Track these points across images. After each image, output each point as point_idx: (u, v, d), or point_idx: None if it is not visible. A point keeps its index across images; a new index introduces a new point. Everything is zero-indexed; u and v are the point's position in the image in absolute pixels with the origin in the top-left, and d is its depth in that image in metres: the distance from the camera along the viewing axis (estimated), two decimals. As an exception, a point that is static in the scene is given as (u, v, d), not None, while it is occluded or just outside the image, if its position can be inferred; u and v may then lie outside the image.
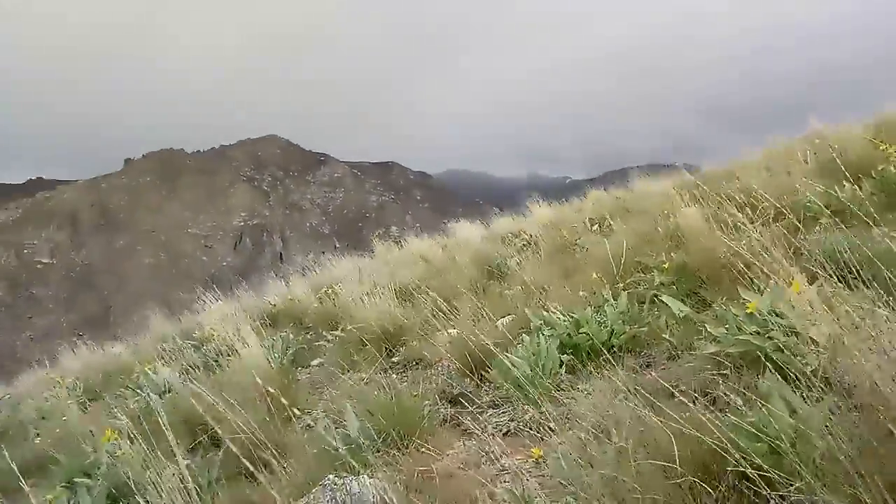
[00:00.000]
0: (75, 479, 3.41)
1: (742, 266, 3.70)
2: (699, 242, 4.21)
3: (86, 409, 6.16)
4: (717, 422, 1.95)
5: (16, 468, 2.43)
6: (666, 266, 4.06)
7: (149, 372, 5.31)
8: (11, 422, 6.47)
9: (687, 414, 2.16)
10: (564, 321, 3.56)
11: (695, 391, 2.63)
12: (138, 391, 5.18)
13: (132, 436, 3.58)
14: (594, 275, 4.22)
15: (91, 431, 4.18)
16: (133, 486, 2.89)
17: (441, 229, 14.61)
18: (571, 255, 6.11)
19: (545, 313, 3.78)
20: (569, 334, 3.48)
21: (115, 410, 4.98)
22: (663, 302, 3.66)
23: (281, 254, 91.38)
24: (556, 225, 8.56)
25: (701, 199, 6.28)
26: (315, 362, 5.94)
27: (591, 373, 3.20)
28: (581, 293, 4.54)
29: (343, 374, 5.14)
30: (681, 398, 2.66)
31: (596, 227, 7.04)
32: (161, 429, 3.36)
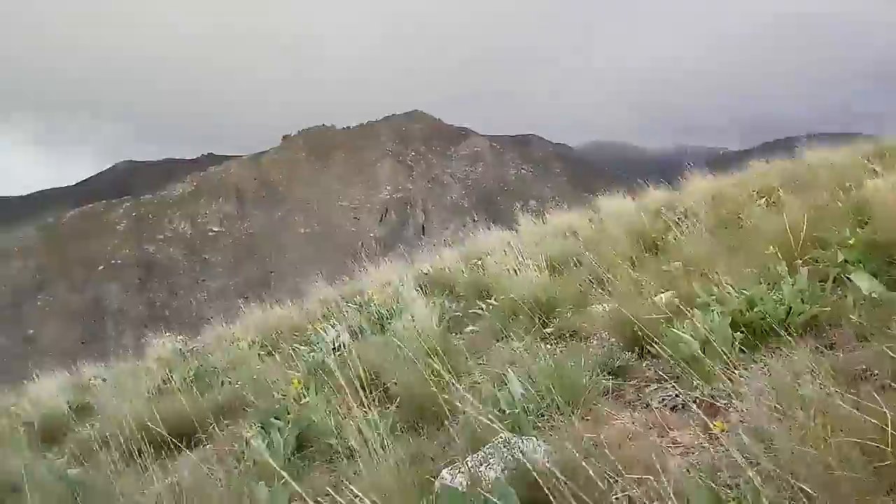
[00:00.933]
0: (270, 421, 3.84)
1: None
2: (891, 217, 3.84)
3: (265, 362, 6.82)
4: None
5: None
6: (851, 242, 3.75)
7: (320, 330, 5.80)
8: (203, 370, 7.30)
9: (884, 399, 2.04)
10: (737, 297, 3.42)
11: (890, 376, 2.46)
12: (311, 347, 5.68)
13: (316, 387, 3.97)
14: (771, 248, 3.99)
15: (277, 381, 4.67)
16: (326, 430, 3.20)
17: (582, 202, 14.33)
18: (736, 230, 5.79)
19: (715, 288, 3.65)
20: (741, 311, 3.35)
21: (294, 364, 5.50)
22: (849, 280, 3.40)
23: (423, 226, 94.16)
24: (716, 198, 8.13)
25: (886, 170, 5.69)
26: (468, 329, 6.15)
27: (766, 353, 3.07)
28: (750, 270, 4.32)
29: (497, 341, 5.29)
30: (873, 382, 2.51)
31: (762, 200, 6.60)
32: (335, 382, 3.70)
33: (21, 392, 8.66)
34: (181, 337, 8.83)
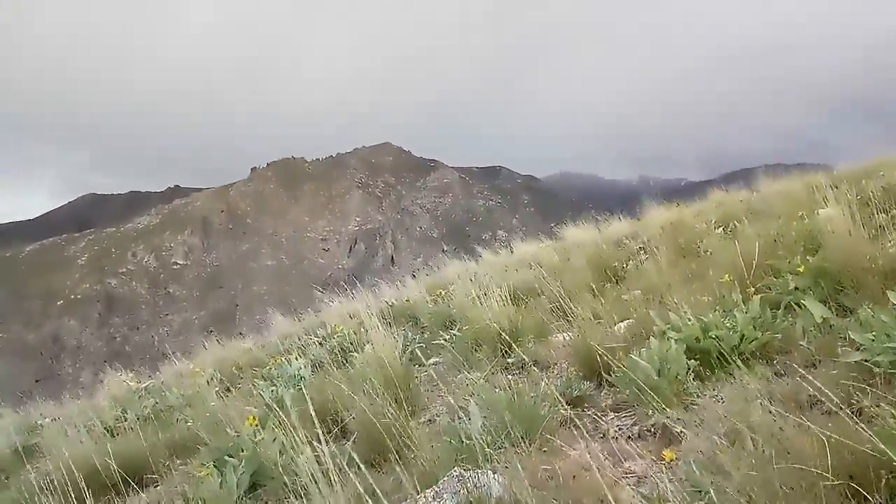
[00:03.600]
0: (224, 459, 3.72)
1: (889, 270, 3.45)
2: (840, 245, 3.94)
3: (223, 398, 6.65)
4: (867, 432, 1.85)
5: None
6: (802, 269, 3.84)
7: (282, 364, 5.68)
8: (159, 407, 7.09)
9: (830, 424, 2.06)
10: (692, 325, 3.46)
11: (837, 401, 2.49)
12: (271, 382, 5.55)
13: (273, 423, 3.87)
14: (726, 277, 4.05)
15: (231, 418, 4.54)
16: (280, 468, 3.11)
17: (548, 233, 14.52)
18: (694, 259, 5.89)
19: (672, 316, 3.69)
20: (696, 339, 3.38)
21: (251, 400, 5.37)
22: (799, 307, 3.47)
23: (392, 257, 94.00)
24: (675, 228, 8.27)
25: (837, 200, 5.87)
26: (431, 361, 6.09)
27: (720, 379, 3.10)
28: (706, 297, 4.38)
29: (460, 372, 5.25)
30: (821, 407, 2.54)
31: (720, 229, 6.74)
32: (293, 417, 3.61)
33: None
34: (137, 373, 8.55)
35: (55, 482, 4.09)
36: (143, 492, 4.45)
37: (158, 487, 4.42)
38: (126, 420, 6.45)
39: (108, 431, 6.17)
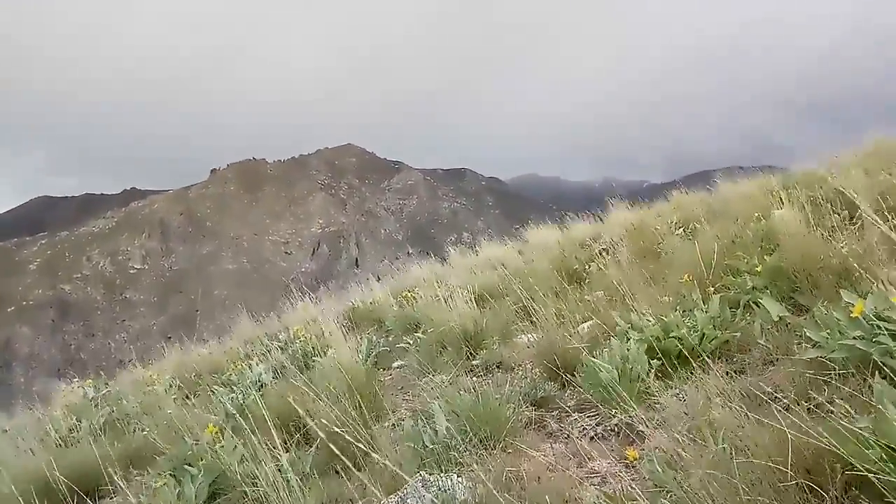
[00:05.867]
0: (182, 468, 3.61)
1: (842, 269, 3.54)
2: (795, 245, 4.04)
3: (182, 405, 6.48)
4: (822, 427, 1.88)
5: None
6: (759, 269, 3.92)
7: (242, 370, 5.56)
8: (115, 416, 6.87)
9: (789, 420, 2.10)
10: (653, 325, 3.50)
11: (795, 397, 2.54)
12: (231, 389, 5.43)
13: (233, 430, 3.77)
14: (685, 277, 4.12)
15: (190, 426, 4.42)
16: (239, 477, 3.03)
17: (514, 234, 14.58)
18: (655, 260, 5.97)
19: (633, 317, 3.72)
20: (658, 338, 3.42)
21: (210, 407, 5.24)
22: (758, 306, 3.54)
23: (356, 259, 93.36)
24: (637, 229, 8.38)
25: (791, 201, 6.03)
26: (396, 364, 6.05)
27: (681, 378, 3.13)
28: (666, 298, 4.44)
29: (425, 375, 5.22)
30: (779, 404, 2.58)
31: (680, 230, 6.85)
32: (254, 424, 3.53)
33: None
34: (92, 382, 8.28)
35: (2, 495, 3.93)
36: (96, 504, 4.31)
37: (114, 499, 4.28)
38: (80, 430, 6.24)
39: (61, 442, 5.95)
